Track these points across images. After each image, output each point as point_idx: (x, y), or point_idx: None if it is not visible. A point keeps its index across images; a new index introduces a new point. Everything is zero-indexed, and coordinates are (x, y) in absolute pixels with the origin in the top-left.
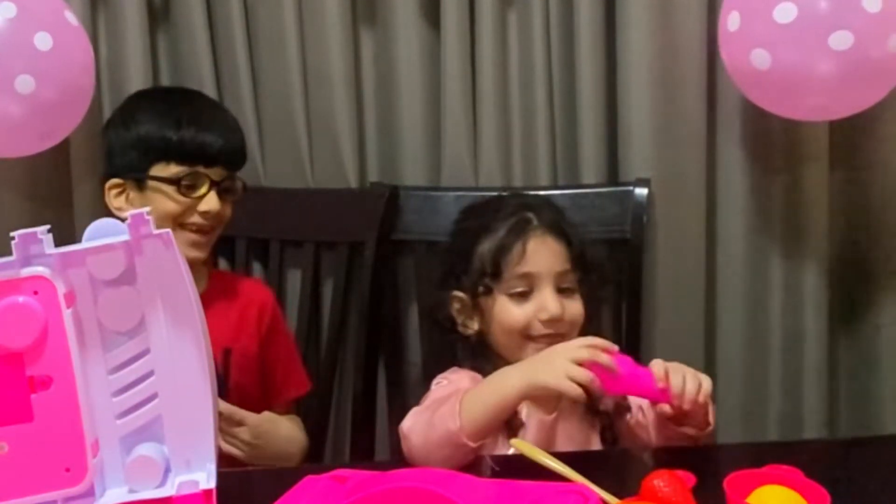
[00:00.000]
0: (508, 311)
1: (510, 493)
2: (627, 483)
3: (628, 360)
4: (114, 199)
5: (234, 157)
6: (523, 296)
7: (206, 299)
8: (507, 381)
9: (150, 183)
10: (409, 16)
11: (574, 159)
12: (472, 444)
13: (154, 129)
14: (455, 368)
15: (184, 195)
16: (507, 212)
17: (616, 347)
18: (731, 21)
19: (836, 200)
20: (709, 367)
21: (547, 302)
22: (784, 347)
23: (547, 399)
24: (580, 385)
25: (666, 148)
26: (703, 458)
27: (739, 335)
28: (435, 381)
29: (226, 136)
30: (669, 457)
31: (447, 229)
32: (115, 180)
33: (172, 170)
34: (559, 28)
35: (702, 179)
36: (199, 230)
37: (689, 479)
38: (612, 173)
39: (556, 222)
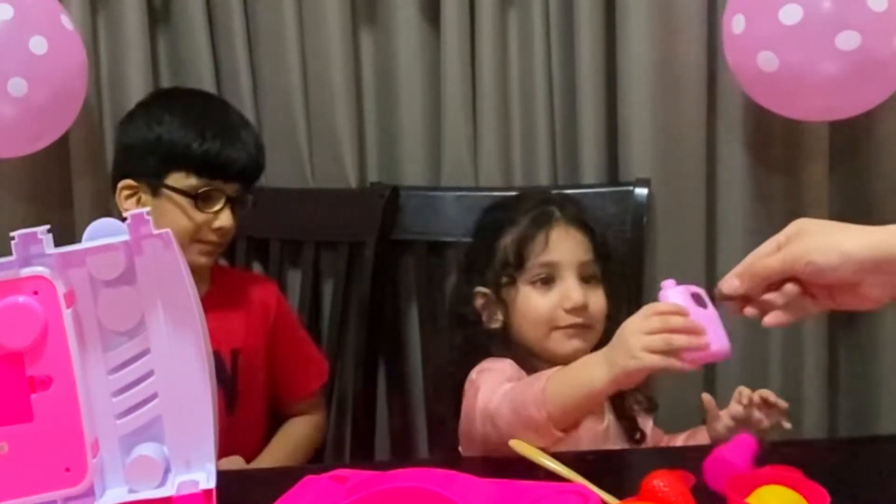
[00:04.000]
0: (532, 301)
1: (510, 493)
2: (627, 483)
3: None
4: (124, 201)
5: (253, 174)
6: (547, 285)
7: (212, 300)
8: (592, 373)
9: (165, 192)
10: (409, 16)
11: (574, 159)
12: (560, 434)
13: (178, 137)
14: (492, 359)
15: (199, 209)
16: (529, 206)
17: (687, 311)
18: (735, 23)
19: (836, 200)
20: (708, 368)
21: (570, 290)
22: (784, 347)
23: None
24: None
25: (666, 148)
26: (703, 457)
27: (739, 335)
28: (476, 371)
29: (249, 153)
30: (669, 457)
31: (447, 229)
32: (128, 181)
33: (191, 182)
34: (559, 28)
35: (702, 179)
36: (210, 244)
37: (689, 479)
38: (612, 173)
39: (578, 215)
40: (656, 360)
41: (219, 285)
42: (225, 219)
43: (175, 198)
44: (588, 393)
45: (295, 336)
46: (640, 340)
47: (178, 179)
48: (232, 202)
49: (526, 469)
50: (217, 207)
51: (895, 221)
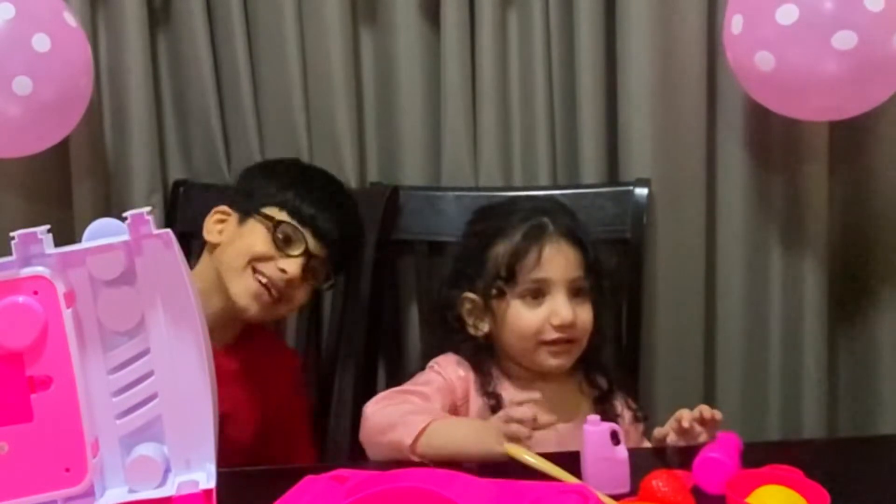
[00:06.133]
0: (521, 316)
1: (510, 493)
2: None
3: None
4: (211, 224)
5: (341, 245)
6: (536, 301)
7: (231, 354)
8: (469, 437)
9: (255, 217)
10: (409, 16)
11: (574, 159)
12: (417, 460)
13: (290, 188)
14: (449, 354)
15: (275, 242)
16: (522, 216)
17: (531, 413)
18: (734, 24)
19: (836, 200)
20: (708, 367)
21: (559, 308)
22: (784, 347)
23: (563, 408)
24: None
25: (666, 148)
26: None
27: (739, 335)
28: (428, 365)
29: (345, 226)
30: (669, 457)
31: (447, 229)
32: (223, 207)
33: (282, 215)
34: (559, 28)
35: (702, 179)
36: (267, 286)
37: (689, 479)
38: (612, 173)
39: (571, 228)
40: (497, 452)
41: (245, 342)
42: (292, 265)
43: (259, 223)
44: (456, 452)
45: (293, 423)
46: (501, 434)
47: (270, 211)
48: (308, 260)
49: (526, 469)
50: (293, 252)
51: (893, 221)
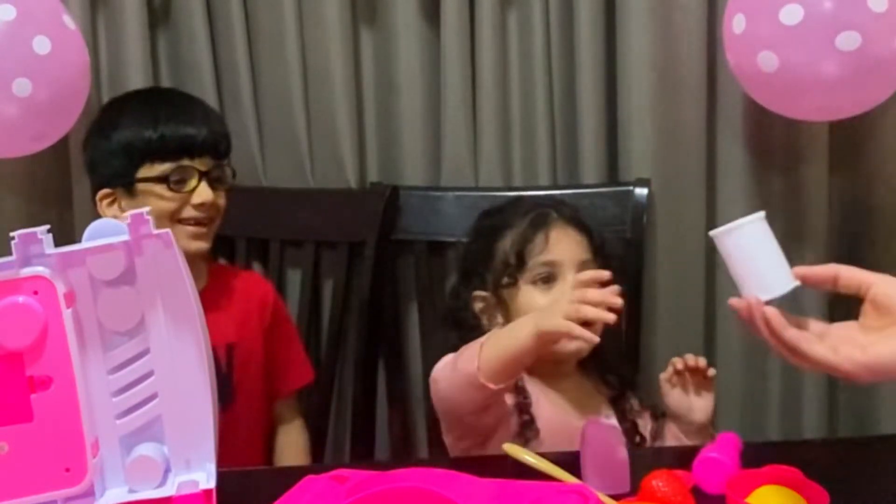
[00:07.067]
0: (534, 301)
1: (510, 493)
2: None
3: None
4: (106, 209)
5: (218, 145)
6: (547, 284)
7: (208, 295)
8: (521, 328)
9: (140, 186)
10: (409, 16)
11: (574, 159)
12: (492, 386)
13: (134, 133)
14: None
15: (174, 191)
16: (526, 209)
17: (607, 274)
18: (735, 23)
19: (835, 200)
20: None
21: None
22: None
23: (583, 407)
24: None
25: (666, 148)
26: None
27: (739, 335)
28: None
29: (206, 125)
30: (669, 457)
31: (447, 229)
32: (104, 190)
33: (159, 168)
34: (559, 28)
35: (702, 179)
36: (196, 223)
37: (689, 479)
38: (612, 173)
39: (575, 216)
40: (562, 324)
41: (215, 282)
42: (203, 193)
43: (150, 188)
44: (515, 348)
45: (288, 335)
46: (560, 307)
47: (147, 170)
48: (207, 177)
49: (526, 469)
50: (191, 186)
51: (893, 221)
